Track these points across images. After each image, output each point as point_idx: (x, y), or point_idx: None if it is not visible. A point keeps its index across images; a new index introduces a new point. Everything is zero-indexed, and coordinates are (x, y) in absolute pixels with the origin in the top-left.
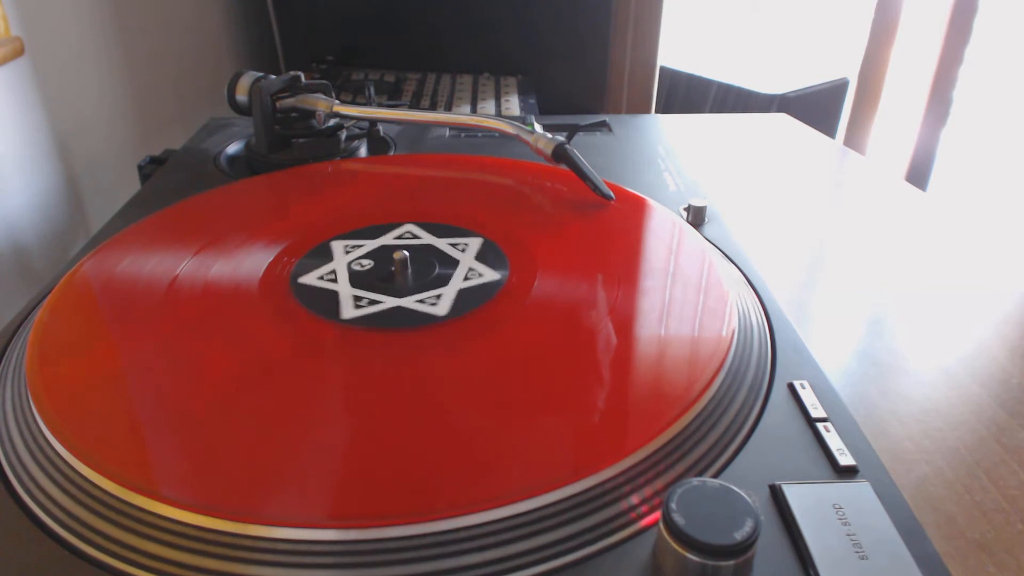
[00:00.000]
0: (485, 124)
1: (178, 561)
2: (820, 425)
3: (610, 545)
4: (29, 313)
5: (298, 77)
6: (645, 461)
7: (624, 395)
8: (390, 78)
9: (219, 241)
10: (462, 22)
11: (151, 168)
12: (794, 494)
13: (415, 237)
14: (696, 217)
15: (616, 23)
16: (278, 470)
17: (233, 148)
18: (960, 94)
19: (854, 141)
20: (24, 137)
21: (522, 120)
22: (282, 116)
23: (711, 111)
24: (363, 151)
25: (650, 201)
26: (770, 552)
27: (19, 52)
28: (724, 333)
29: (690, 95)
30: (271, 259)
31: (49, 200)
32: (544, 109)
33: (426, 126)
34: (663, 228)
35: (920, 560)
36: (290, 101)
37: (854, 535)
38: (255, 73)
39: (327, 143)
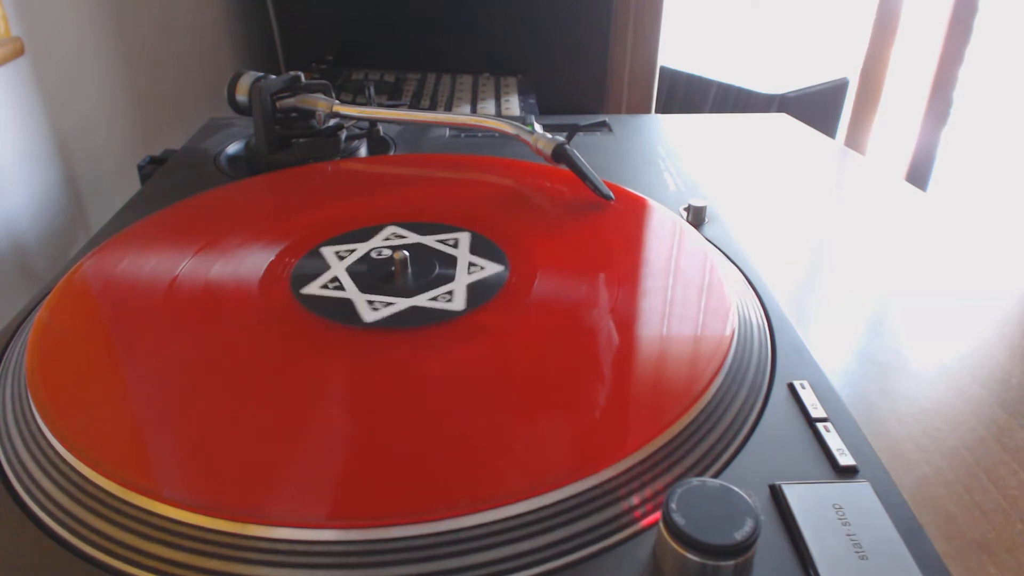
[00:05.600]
0: (485, 124)
1: (178, 561)
2: (820, 425)
3: (610, 545)
4: (29, 313)
5: (298, 77)
6: (645, 461)
7: (624, 395)
8: (390, 78)
9: (219, 241)
10: (462, 22)
11: (151, 168)
12: (794, 494)
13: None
14: (696, 217)
15: (616, 23)
16: (278, 470)
17: (233, 148)
18: (960, 94)
19: (854, 141)
20: (24, 137)
21: (522, 120)
22: (282, 116)
23: (711, 111)
24: (363, 151)
25: (650, 201)
26: (770, 552)
27: (19, 52)
28: (724, 333)
29: (690, 95)
30: (271, 259)
31: (49, 200)
32: (544, 109)
33: (426, 126)
34: (663, 228)
35: (920, 560)
36: (290, 101)
37: (854, 535)
38: (255, 73)
39: (327, 143)
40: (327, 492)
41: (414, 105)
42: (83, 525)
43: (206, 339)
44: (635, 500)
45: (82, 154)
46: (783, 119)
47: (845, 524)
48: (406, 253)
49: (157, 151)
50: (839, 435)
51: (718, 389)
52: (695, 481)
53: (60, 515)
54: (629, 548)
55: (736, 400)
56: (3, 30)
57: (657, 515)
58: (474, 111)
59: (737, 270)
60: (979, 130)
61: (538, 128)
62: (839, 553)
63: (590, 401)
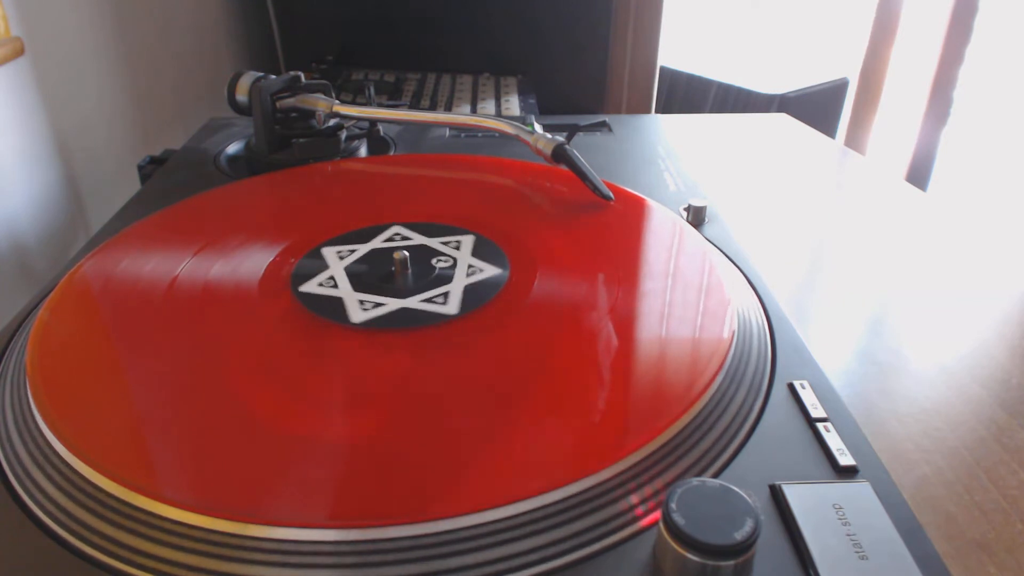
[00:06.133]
0: (485, 124)
1: (178, 561)
2: (820, 425)
3: (610, 545)
4: (29, 313)
5: (298, 77)
6: (645, 461)
7: (624, 395)
8: (390, 78)
9: (219, 241)
10: (462, 22)
11: (151, 168)
12: (794, 494)
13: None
14: (696, 217)
15: (616, 23)
16: (278, 470)
17: (233, 148)
18: (960, 94)
19: (854, 141)
20: (24, 137)
21: (522, 120)
22: (282, 116)
23: (711, 111)
24: (363, 151)
25: (650, 201)
26: (770, 552)
27: (19, 52)
28: (724, 333)
29: (690, 95)
30: (271, 259)
31: (49, 200)
32: (544, 109)
33: (426, 126)
34: (663, 228)
35: (920, 560)
36: (290, 101)
37: (854, 535)
38: (255, 73)
39: (327, 143)
40: (327, 492)
41: (414, 105)
42: (83, 525)
43: (206, 339)
44: (635, 500)
45: (82, 154)
46: (783, 119)
47: (845, 524)
48: (406, 253)
49: (157, 151)
50: (839, 435)
51: (717, 389)
52: (695, 481)
53: (60, 515)
54: (629, 548)
55: (736, 400)
56: (3, 30)
57: (657, 515)
58: (474, 111)
59: (737, 270)
60: (979, 130)
61: (538, 128)
62: (839, 553)
63: (590, 401)
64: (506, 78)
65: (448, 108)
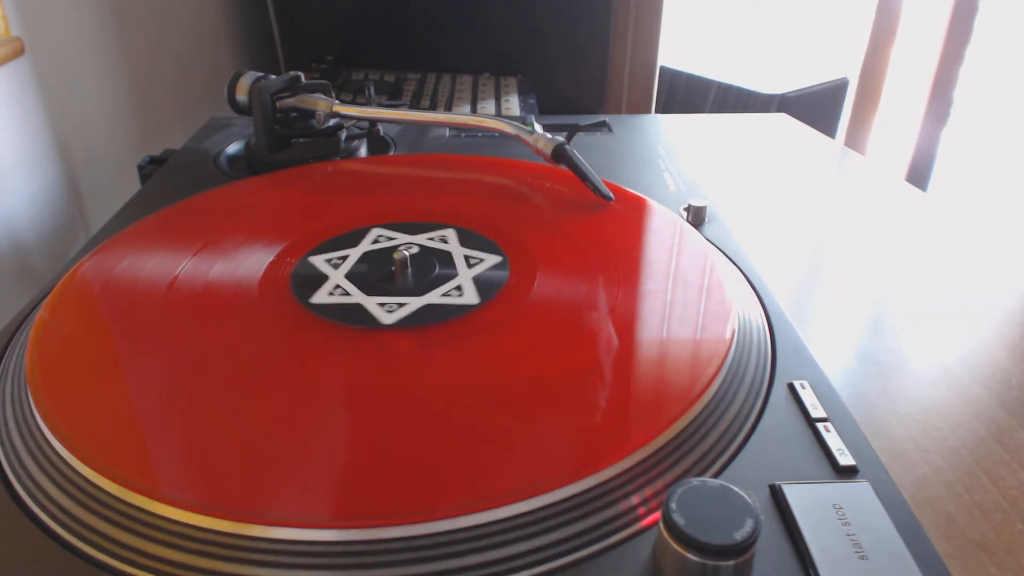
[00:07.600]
0: (485, 124)
1: (178, 561)
2: (820, 425)
3: (610, 545)
4: (29, 313)
5: (298, 77)
6: (645, 461)
7: (624, 395)
8: (390, 78)
9: (219, 241)
10: (462, 22)
11: (151, 168)
12: (794, 494)
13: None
14: (696, 217)
15: (616, 23)
16: (278, 470)
17: (233, 148)
18: (960, 94)
19: (854, 141)
20: (24, 137)
21: (522, 120)
22: (282, 116)
23: (711, 111)
24: (363, 151)
25: (650, 201)
26: (770, 552)
27: (19, 52)
28: (724, 334)
29: (690, 95)
30: (271, 259)
31: (49, 200)
32: (544, 109)
33: (426, 126)
34: (663, 228)
35: (920, 560)
36: (290, 101)
37: (854, 535)
38: (255, 73)
39: (327, 143)
40: (327, 492)
41: (414, 105)
42: (83, 525)
43: (206, 339)
44: (635, 500)
45: (82, 154)
46: (783, 119)
47: (845, 524)
48: (406, 253)
49: (157, 151)
50: (839, 435)
51: (718, 389)
52: (695, 481)
53: (60, 515)
54: (629, 548)
55: (736, 400)
56: (3, 30)
57: (657, 515)
58: (474, 111)
59: (737, 270)
60: (979, 130)
61: (538, 128)
62: (839, 553)
63: (590, 401)
64: (506, 78)
65: (448, 108)
